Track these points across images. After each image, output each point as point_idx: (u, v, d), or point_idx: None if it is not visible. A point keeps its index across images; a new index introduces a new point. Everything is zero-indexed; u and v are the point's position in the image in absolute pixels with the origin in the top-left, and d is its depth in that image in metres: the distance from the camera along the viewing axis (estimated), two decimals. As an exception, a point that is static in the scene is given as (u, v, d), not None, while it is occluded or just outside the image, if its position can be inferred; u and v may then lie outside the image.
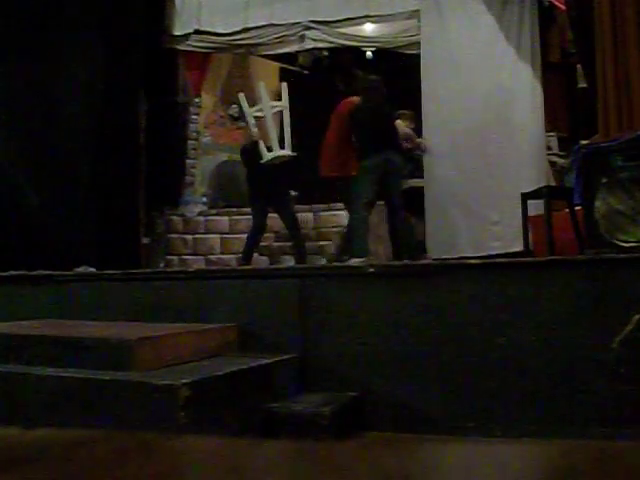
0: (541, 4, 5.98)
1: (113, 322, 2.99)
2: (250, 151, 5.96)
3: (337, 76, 8.26)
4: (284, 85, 6.30)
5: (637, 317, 2.26)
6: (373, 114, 5.39)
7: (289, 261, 6.33)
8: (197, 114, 7.82)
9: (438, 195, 5.84)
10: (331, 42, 6.70)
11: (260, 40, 6.77)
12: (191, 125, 7.72)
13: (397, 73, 6.78)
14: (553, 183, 5.68)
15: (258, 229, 6.02)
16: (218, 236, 7.35)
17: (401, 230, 5.31)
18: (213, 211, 7.51)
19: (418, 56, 6.23)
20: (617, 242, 3.25)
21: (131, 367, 2.24)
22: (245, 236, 6.23)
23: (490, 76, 5.84)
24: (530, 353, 2.41)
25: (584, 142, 4.21)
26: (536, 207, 4.93)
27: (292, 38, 6.68)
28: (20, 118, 5.58)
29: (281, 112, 6.05)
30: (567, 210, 4.77)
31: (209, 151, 8.06)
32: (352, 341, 2.69)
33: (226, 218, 7.37)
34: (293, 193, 6.43)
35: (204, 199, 7.71)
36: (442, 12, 6.16)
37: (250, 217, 6.32)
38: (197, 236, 7.33)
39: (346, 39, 6.67)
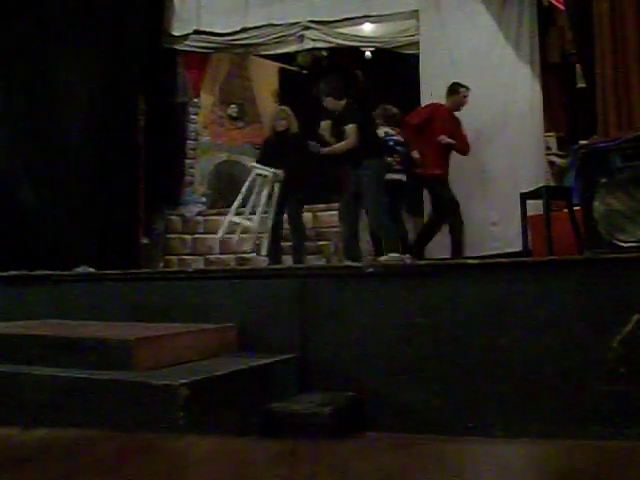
0: (540, 4, 5.98)
1: (113, 322, 2.99)
2: (268, 149, 5.85)
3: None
4: None
5: (637, 317, 2.26)
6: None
7: (289, 261, 6.32)
8: (196, 114, 7.83)
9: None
10: (330, 42, 6.70)
11: (259, 40, 6.77)
12: (190, 125, 7.73)
13: (396, 73, 6.79)
14: (552, 183, 5.68)
15: (276, 226, 5.83)
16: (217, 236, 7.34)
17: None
18: (212, 211, 7.51)
19: (417, 56, 6.24)
20: (616, 242, 3.25)
21: (131, 367, 2.24)
22: (244, 236, 6.20)
23: (489, 76, 5.85)
24: (530, 353, 2.41)
25: (583, 142, 4.21)
26: (535, 207, 4.94)
27: (291, 38, 6.69)
28: (20, 118, 5.58)
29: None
30: (566, 210, 4.77)
31: (208, 151, 8.06)
32: (352, 341, 2.69)
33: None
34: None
35: (203, 199, 7.72)
36: (441, 12, 6.16)
37: (249, 217, 6.29)
38: (196, 236, 7.33)
39: (345, 39, 6.67)
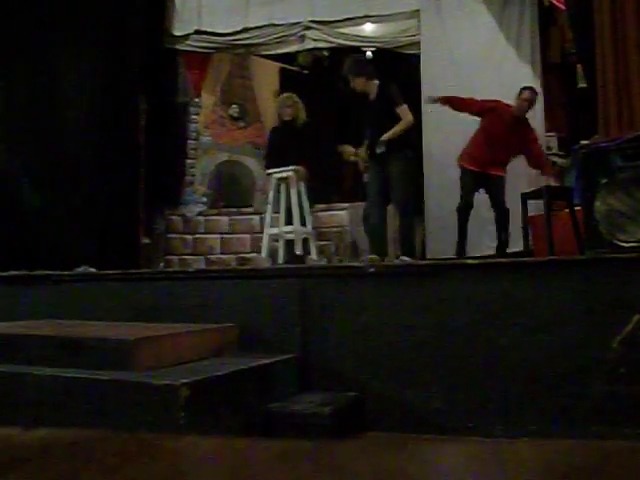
0: (541, 4, 5.99)
1: (113, 322, 2.99)
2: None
3: (338, 76, 8.26)
4: None
5: (637, 317, 2.26)
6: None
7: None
8: (197, 114, 7.84)
9: (438, 195, 5.85)
10: (331, 42, 6.71)
11: (260, 40, 6.78)
12: (191, 125, 7.73)
13: (397, 73, 6.78)
14: (553, 183, 5.68)
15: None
16: (218, 236, 7.36)
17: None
18: (213, 211, 7.52)
19: (418, 56, 6.24)
20: (617, 242, 3.25)
21: (131, 367, 2.24)
22: (245, 236, 6.22)
23: (490, 76, 5.85)
24: (530, 353, 2.41)
25: (584, 142, 4.21)
26: (536, 207, 4.94)
27: (292, 38, 6.70)
28: (21, 119, 5.58)
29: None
30: (567, 210, 4.77)
31: (209, 151, 8.06)
32: (352, 341, 2.69)
33: (226, 218, 7.39)
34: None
35: (204, 199, 7.72)
36: (442, 12, 6.17)
37: (250, 217, 6.32)
38: (197, 236, 7.34)
39: (346, 39, 6.68)
